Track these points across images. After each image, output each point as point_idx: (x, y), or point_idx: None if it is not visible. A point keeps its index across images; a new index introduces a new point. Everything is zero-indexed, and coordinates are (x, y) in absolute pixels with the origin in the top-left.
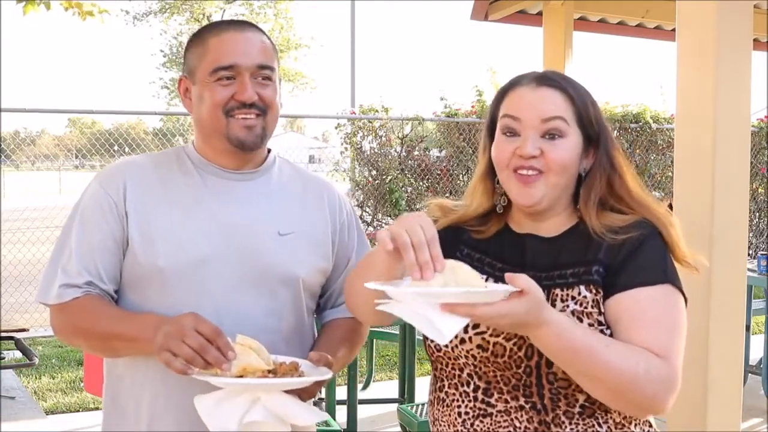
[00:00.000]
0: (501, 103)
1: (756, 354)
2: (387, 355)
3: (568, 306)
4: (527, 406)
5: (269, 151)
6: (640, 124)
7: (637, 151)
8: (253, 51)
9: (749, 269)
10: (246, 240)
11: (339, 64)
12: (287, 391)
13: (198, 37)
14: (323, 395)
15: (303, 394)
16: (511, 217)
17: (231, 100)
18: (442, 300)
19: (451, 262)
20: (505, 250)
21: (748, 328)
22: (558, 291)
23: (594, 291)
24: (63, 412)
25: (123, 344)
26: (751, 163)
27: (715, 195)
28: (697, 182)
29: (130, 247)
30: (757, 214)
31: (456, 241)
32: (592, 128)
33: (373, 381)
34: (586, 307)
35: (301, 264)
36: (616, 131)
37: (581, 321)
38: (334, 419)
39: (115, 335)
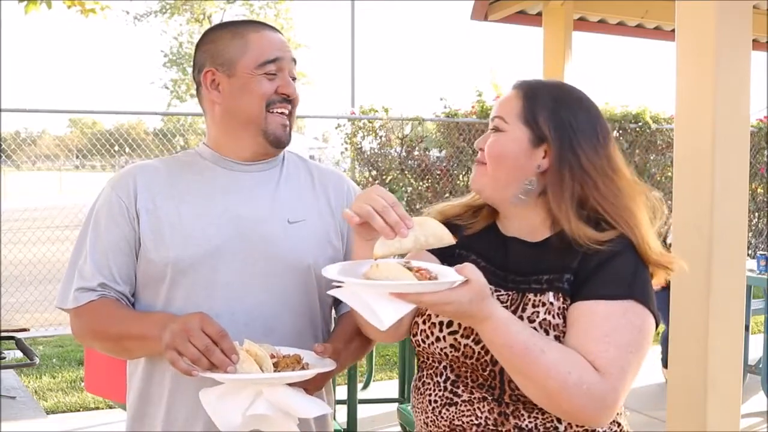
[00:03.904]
0: None
1: (755, 354)
2: (387, 355)
3: (538, 313)
4: (489, 398)
5: None
6: (640, 124)
7: (637, 151)
8: (288, 48)
9: (748, 269)
10: (256, 229)
11: (339, 64)
12: (291, 384)
13: (234, 32)
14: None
15: (308, 386)
16: (498, 216)
17: (274, 93)
18: (390, 290)
19: (417, 218)
20: (491, 248)
21: (747, 328)
22: (531, 296)
23: (561, 299)
24: (64, 411)
25: (135, 344)
26: (751, 163)
27: (715, 195)
28: (696, 182)
29: (142, 246)
30: (757, 214)
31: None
32: (537, 126)
33: (373, 381)
34: (554, 317)
35: (310, 251)
36: (616, 131)
37: (547, 333)
38: (334, 419)
39: (127, 336)
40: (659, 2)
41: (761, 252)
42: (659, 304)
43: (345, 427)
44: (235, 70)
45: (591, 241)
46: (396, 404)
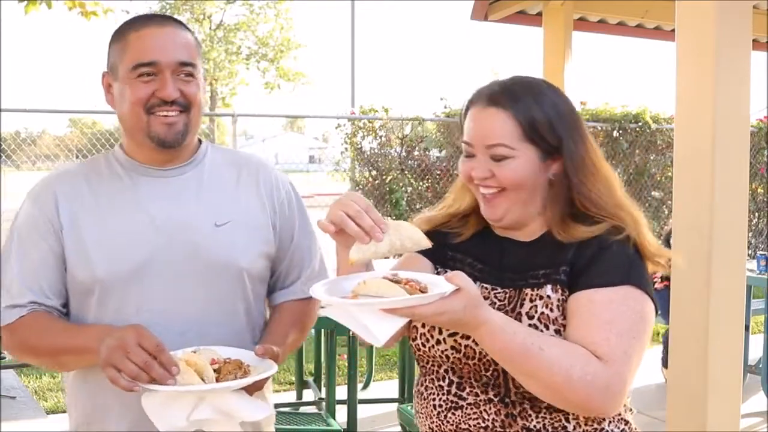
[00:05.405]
0: (465, 118)
1: (755, 354)
2: (387, 355)
3: (536, 308)
4: (495, 399)
5: (200, 142)
6: (640, 124)
7: (637, 151)
8: (174, 47)
9: (749, 269)
10: (183, 236)
11: (339, 64)
12: None
13: (119, 33)
14: (323, 395)
15: (250, 388)
16: None
17: (152, 97)
18: (381, 307)
19: (392, 222)
20: (486, 251)
21: (747, 328)
22: (528, 291)
23: (560, 291)
24: (63, 411)
25: (71, 358)
26: (751, 163)
27: (715, 195)
28: (696, 182)
29: (67, 261)
30: (757, 214)
31: (440, 245)
32: (544, 141)
33: (373, 381)
34: (552, 310)
35: (241, 253)
36: (616, 131)
37: (547, 328)
38: (334, 419)
39: (63, 349)
40: (659, 2)
41: (761, 252)
42: (659, 303)
43: (345, 427)
44: (117, 75)
45: (586, 236)
46: (396, 404)
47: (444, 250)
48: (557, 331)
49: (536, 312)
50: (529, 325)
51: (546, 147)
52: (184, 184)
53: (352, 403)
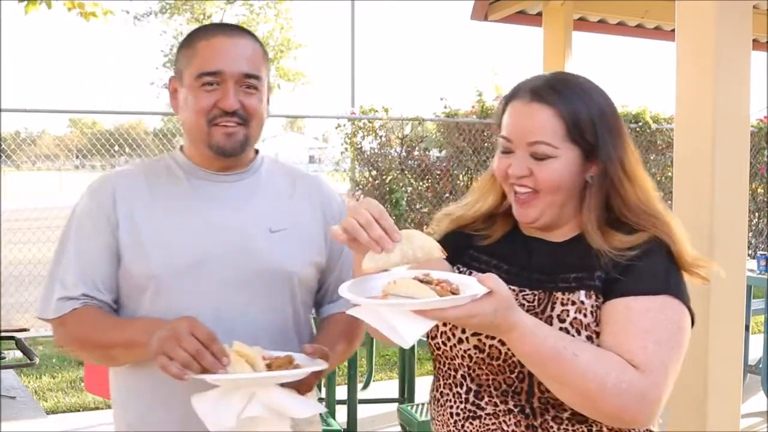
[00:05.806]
0: (504, 113)
1: (755, 354)
2: (387, 355)
3: (568, 312)
4: (516, 410)
5: (257, 151)
6: (640, 124)
7: (637, 151)
8: (240, 58)
9: (749, 269)
10: (238, 240)
11: (339, 64)
12: (283, 385)
13: (188, 39)
14: (323, 395)
15: (301, 387)
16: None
17: (214, 107)
18: (411, 308)
19: (404, 232)
20: (512, 252)
21: (747, 328)
22: (559, 295)
23: (594, 297)
24: (64, 411)
25: (120, 351)
26: (751, 163)
27: (715, 195)
28: (696, 182)
29: (122, 257)
30: (757, 214)
31: (462, 246)
32: (585, 141)
33: (373, 381)
34: (585, 315)
35: (293, 260)
36: None
37: (579, 333)
38: (334, 419)
39: (112, 343)
40: (659, 2)
41: (761, 252)
42: None
43: (345, 427)
44: (183, 81)
45: (624, 246)
46: (396, 404)
47: (466, 251)
48: (589, 338)
49: (568, 316)
50: (560, 328)
51: (586, 147)
52: (241, 190)
53: (352, 403)
